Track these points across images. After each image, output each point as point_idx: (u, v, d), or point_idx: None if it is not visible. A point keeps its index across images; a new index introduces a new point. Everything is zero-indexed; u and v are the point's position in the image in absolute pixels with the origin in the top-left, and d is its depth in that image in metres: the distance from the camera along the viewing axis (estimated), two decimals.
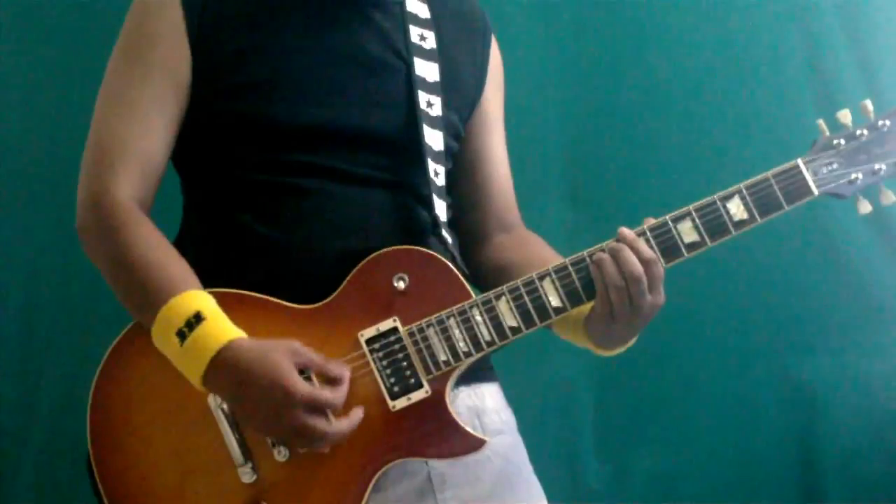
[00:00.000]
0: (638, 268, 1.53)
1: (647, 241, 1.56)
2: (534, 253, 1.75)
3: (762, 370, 2.62)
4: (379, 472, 1.56)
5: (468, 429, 1.57)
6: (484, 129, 1.82)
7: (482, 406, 1.69)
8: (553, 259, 1.63)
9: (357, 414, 1.53)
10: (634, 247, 1.54)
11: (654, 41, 2.65)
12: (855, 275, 2.62)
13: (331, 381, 1.52)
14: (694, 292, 2.51)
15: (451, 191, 1.78)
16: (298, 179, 1.61)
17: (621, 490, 2.61)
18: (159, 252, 1.57)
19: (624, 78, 2.65)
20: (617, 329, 1.58)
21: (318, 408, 1.48)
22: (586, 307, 1.60)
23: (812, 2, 2.63)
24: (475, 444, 1.57)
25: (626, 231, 1.56)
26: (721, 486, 2.60)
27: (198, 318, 1.49)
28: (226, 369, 1.49)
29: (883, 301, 2.62)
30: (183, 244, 1.65)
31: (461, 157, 1.79)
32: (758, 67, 2.64)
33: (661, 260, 1.56)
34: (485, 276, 1.75)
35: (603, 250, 1.56)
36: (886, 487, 2.57)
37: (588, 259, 1.57)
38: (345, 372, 1.53)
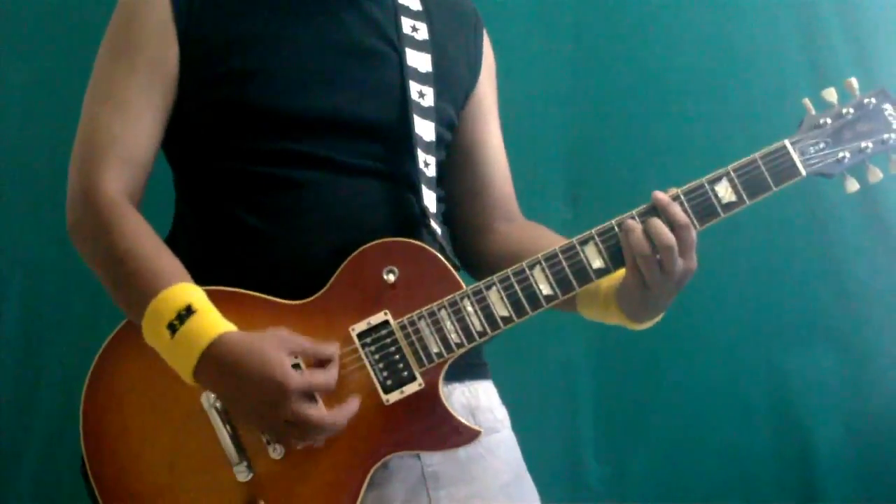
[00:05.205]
0: (668, 236, 1.52)
1: (681, 205, 1.55)
2: (541, 238, 1.72)
3: (761, 370, 2.62)
4: (374, 467, 1.55)
5: (462, 420, 1.57)
6: (479, 117, 1.81)
7: (476, 404, 1.68)
8: (559, 244, 1.61)
9: (353, 403, 1.51)
10: (669, 211, 1.53)
11: (653, 39, 2.65)
12: (854, 275, 2.61)
13: (321, 362, 1.51)
14: (693, 292, 2.47)
15: (451, 181, 1.77)
16: (289, 170, 1.61)
17: (621, 490, 2.61)
18: (149, 245, 1.55)
19: (623, 76, 2.65)
20: (650, 298, 1.56)
21: (313, 394, 1.47)
22: (616, 279, 1.58)
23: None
24: (469, 436, 1.57)
25: (659, 195, 1.54)
26: (720, 485, 2.59)
27: (189, 311, 1.48)
28: (217, 363, 1.47)
29: (878, 298, 2.61)
30: (175, 238, 1.65)
31: (458, 146, 1.79)
32: (757, 65, 2.64)
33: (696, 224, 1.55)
34: (490, 266, 1.70)
35: (633, 218, 1.55)
36: (884, 486, 2.56)
37: (616, 228, 1.55)
38: (335, 350, 1.53)
